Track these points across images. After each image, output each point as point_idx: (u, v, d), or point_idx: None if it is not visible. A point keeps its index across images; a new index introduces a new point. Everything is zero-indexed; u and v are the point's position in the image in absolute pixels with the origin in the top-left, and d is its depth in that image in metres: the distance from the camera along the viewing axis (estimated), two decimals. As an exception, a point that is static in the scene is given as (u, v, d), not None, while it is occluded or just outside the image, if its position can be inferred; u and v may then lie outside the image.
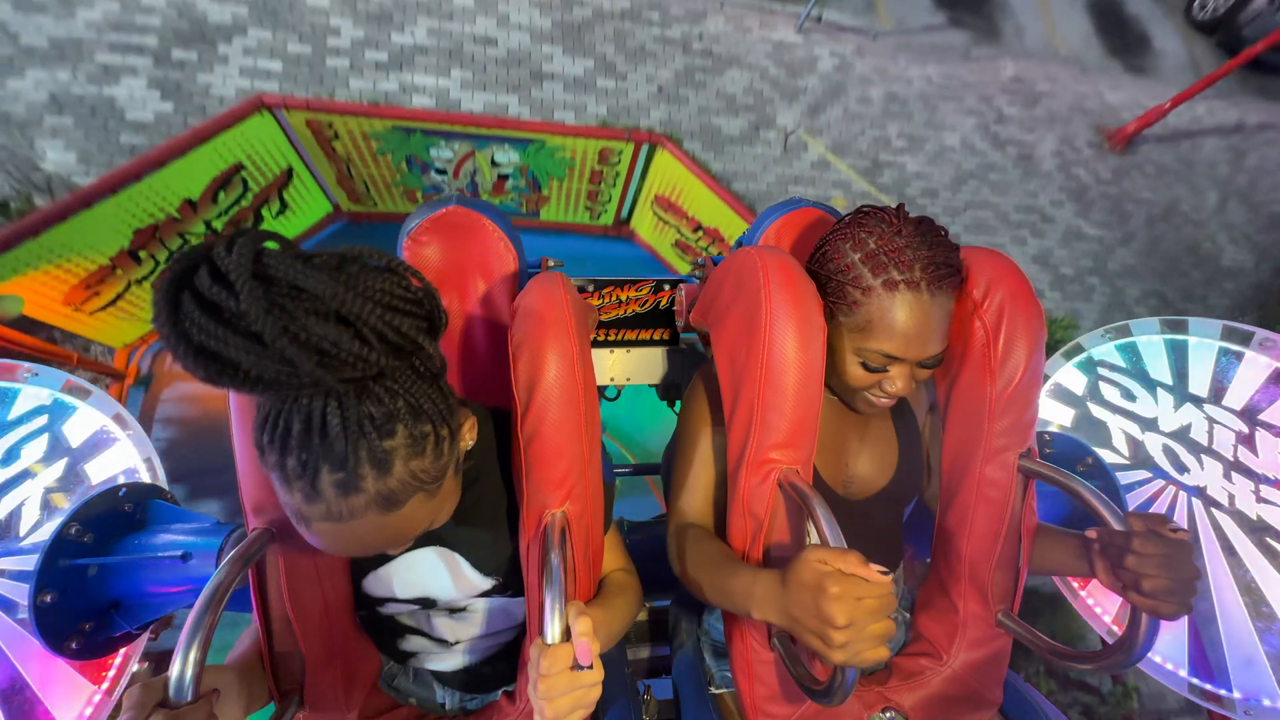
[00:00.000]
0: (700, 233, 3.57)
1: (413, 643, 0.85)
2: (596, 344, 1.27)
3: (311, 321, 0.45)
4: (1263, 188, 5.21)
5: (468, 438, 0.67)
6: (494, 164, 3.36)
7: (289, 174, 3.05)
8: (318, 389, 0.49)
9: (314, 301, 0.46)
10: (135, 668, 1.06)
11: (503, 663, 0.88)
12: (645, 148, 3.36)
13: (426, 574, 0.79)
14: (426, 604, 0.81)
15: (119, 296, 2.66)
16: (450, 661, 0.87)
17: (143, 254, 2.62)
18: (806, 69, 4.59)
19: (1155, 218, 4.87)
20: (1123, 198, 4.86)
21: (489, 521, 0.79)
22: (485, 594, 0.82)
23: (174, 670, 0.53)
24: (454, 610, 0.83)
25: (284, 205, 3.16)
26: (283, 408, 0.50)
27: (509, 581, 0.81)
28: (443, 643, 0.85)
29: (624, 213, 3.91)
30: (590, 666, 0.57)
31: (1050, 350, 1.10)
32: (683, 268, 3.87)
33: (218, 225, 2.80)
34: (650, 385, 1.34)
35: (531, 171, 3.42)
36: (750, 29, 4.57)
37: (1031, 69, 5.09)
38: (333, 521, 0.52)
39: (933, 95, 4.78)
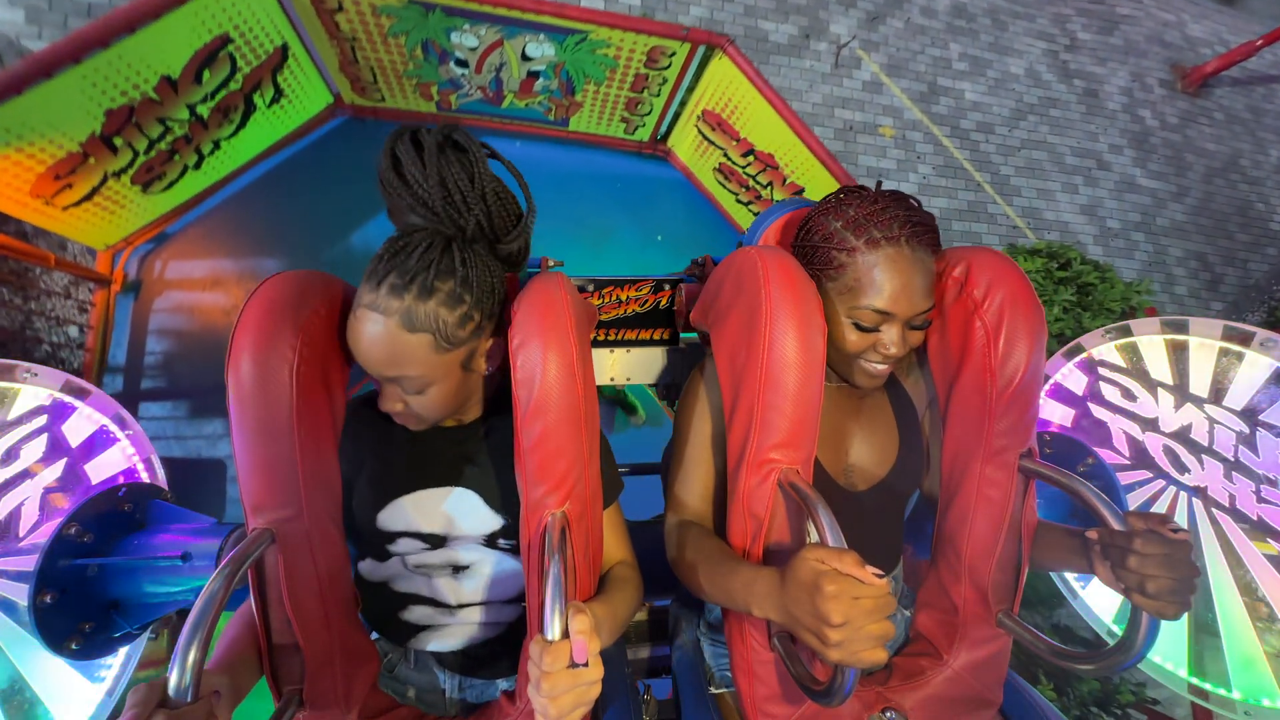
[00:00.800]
0: (751, 158, 3.04)
1: (415, 613, 0.87)
2: (596, 344, 1.27)
3: (461, 178, 0.73)
4: None
5: (483, 352, 0.78)
6: (525, 58, 2.77)
7: (284, 53, 2.56)
8: (431, 230, 0.72)
9: (466, 169, 0.75)
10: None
11: (501, 647, 0.89)
12: (701, 51, 2.77)
13: (442, 509, 0.85)
14: (437, 542, 0.85)
15: (95, 190, 2.28)
16: (450, 640, 0.87)
17: (118, 141, 2.19)
18: None
19: (1214, 172, 4.49)
20: (1185, 146, 4.46)
21: (500, 467, 0.86)
22: (491, 540, 0.85)
23: (174, 671, 0.53)
24: (458, 568, 0.86)
25: (279, 92, 2.68)
26: (409, 236, 0.71)
27: (515, 528, 0.84)
28: (445, 608, 0.86)
29: (662, 128, 3.33)
30: (586, 663, 0.57)
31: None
32: (723, 196, 3.41)
33: (203, 111, 2.37)
34: (650, 385, 1.34)
35: (567, 70, 2.85)
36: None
37: None
38: (369, 309, 0.68)
39: (1002, 11, 4.30)
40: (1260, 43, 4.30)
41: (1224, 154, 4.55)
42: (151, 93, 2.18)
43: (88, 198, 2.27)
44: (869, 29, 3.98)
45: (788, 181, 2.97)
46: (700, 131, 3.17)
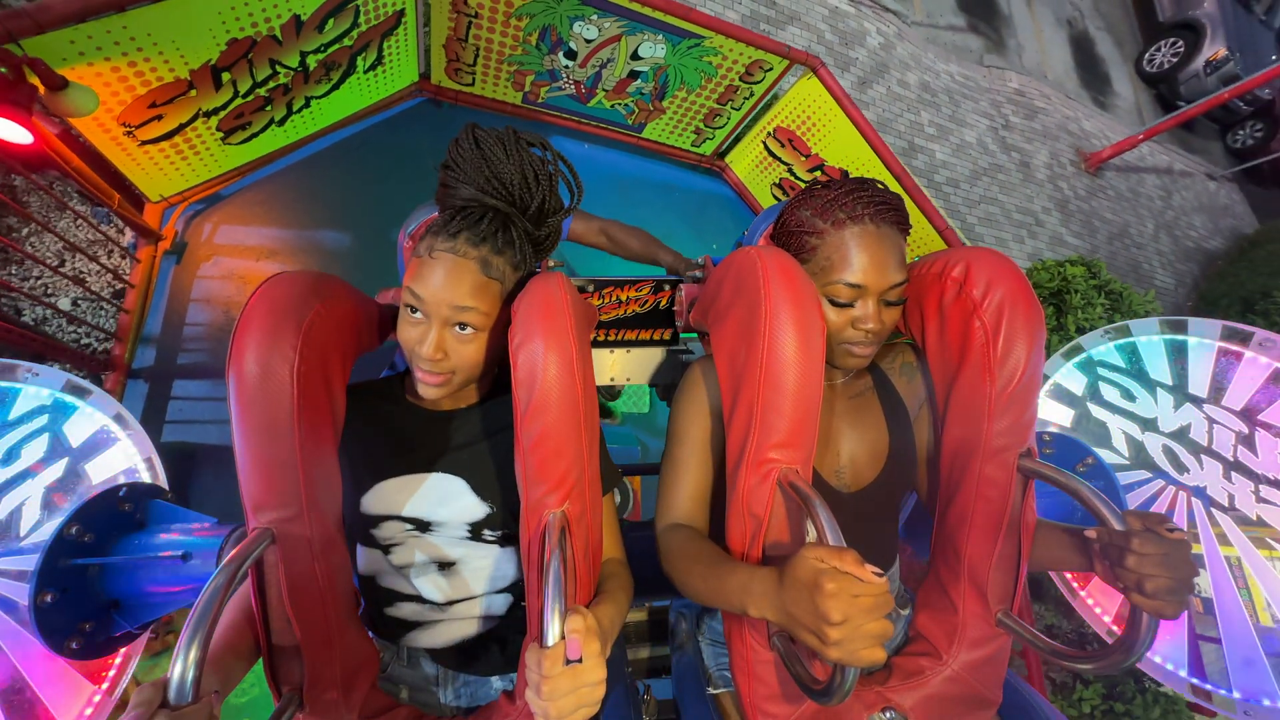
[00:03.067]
0: (818, 172, 3.18)
1: (404, 609, 0.87)
2: (596, 344, 1.27)
3: (535, 163, 0.83)
4: (1182, 225, 6.23)
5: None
6: (634, 57, 2.81)
7: (399, 18, 2.50)
8: (498, 208, 0.81)
9: (538, 158, 0.84)
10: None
11: (494, 641, 0.90)
12: (791, 70, 2.90)
13: (428, 493, 0.86)
14: (422, 526, 0.85)
15: (182, 128, 2.14)
16: (441, 637, 0.88)
17: (226, 76, 2.07)
18: (857, 41, 4.70)
19: (1113, 236, 5.62)
20: (1092, 214, 5.55)
21: (491, 455, 0.88)
22: (476, 530, 0.86)
23: (174, 671, 0.53)
24: (443, 565, 0.86)
25: (380, 58, 2.61)
26: (470, 207, 0.80)
27: (502, 517, 0.86)
28: (433, 605, 0.86)
29: (725, 143, 3.45)
30: (580, 660, 0.58)
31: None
32: None
33: (311, 62, 2.28)
34: (650, 385, 1.34)
35: (667, 74, 2.92)
36: (811, -11, 4.73)
37: (1029, 85, 5.72)
38: (449, 253, 0.76)
39: (956, 91, 5.17)
40: (1141, 137, 5.51)
41: (1118, 223, 5.71)
42: (277, 30, 2.07)
43: (170, 135, 2.13)
44: (860, 90, 4.60)
45: None
46: (766, 147, 3.29)
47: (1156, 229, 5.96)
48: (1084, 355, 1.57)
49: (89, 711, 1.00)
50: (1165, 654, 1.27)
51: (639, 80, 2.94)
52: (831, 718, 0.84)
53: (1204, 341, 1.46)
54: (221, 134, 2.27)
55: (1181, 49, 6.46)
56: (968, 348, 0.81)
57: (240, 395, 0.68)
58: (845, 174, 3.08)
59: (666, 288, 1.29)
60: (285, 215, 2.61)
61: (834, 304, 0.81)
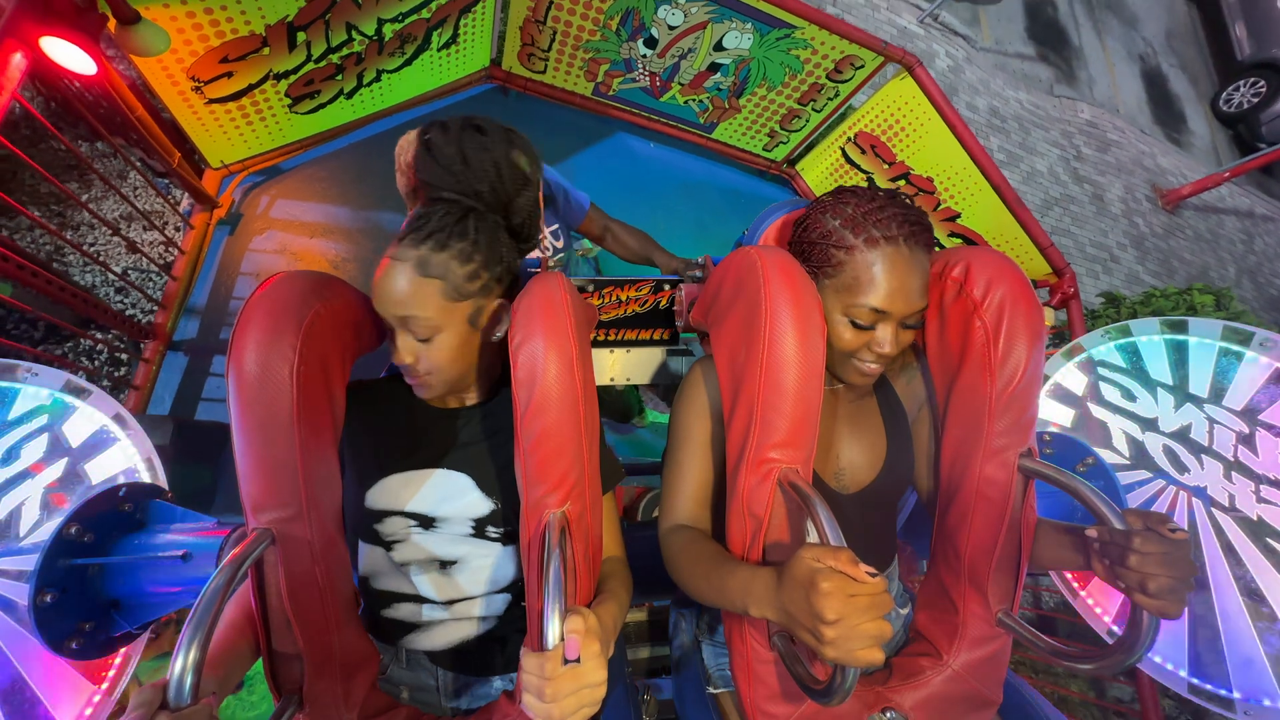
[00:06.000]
0: (902, 182, 2.92)
1: (402, 610, 0.87)
2: (596, 344, 1.27)
3: (475, 148, 0.85)
4: (1265, 271, 5.90)
5: (490, 312, 0.84)
6: (717, 48, 2.63)
7: None
8: (451, 202, 0.82)
9: (481, 142, 0.86)
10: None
11: (493, 642, 0.89)
12: (881, 72, 2.70)
13: (432, 489, 0.86)
14: (426, 522, 0.85)
15: (251, 88, 2.03)
16: (440, 638, 0.88)
17: (301, 36, 1.97)
18: (926, 62, 4.44)
19: (1192, 278, 5.20)
20: (1170, 254, 5.23)
21: (495, 452, 0.88)
22: (480, 527, 0.86)
23: (174, 672, 0.53)
24: (445, 563, 0.86)
25: (455, 36, 2.50)
26: (434, 202, 0.82)
27: (505, 514, 0.86)
28: (434, 604, 0.87)
29: (798, 149, 3.23)
30: (579, 660, 0.58)
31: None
32: None
33: (387, 31, 2.19)
34: (650, 385, 1.34)
35: (749, 69, 2.71)
36: (879, 7, 4.61)
37: (1102, 118, 5.50)
38: (391, 259, 0.77)
39: (1025, 119, 5.03)
40: (1227, 175, 5.21)
41: (1197, 264, 5.39)
42: (359, -9, 1.96)
43: (238, 96, 2.03)
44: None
45: (941, 206, 2.80)
46: (845, 154, 3.06)
47: (1239, 274, 5.63)
48: (1084, 355, 1.57)
49: (89, 711, 1.00)
50: (1165, 654, 1.27)
51: (718, 74, 2.76)
52: (832, 718, 0.83)
53: (1204, 341, 1.46)
54: (290, 100, 2.18)
55: (1263, 89, 6.13)
56: (968, 347, 0.81)
57: (240, 395, 0.68)
58: (898, 184, 2.92)
59: (666, 288, 1.29)
60: (343, 194, 2.53)
61: (853, 324, 0.80)
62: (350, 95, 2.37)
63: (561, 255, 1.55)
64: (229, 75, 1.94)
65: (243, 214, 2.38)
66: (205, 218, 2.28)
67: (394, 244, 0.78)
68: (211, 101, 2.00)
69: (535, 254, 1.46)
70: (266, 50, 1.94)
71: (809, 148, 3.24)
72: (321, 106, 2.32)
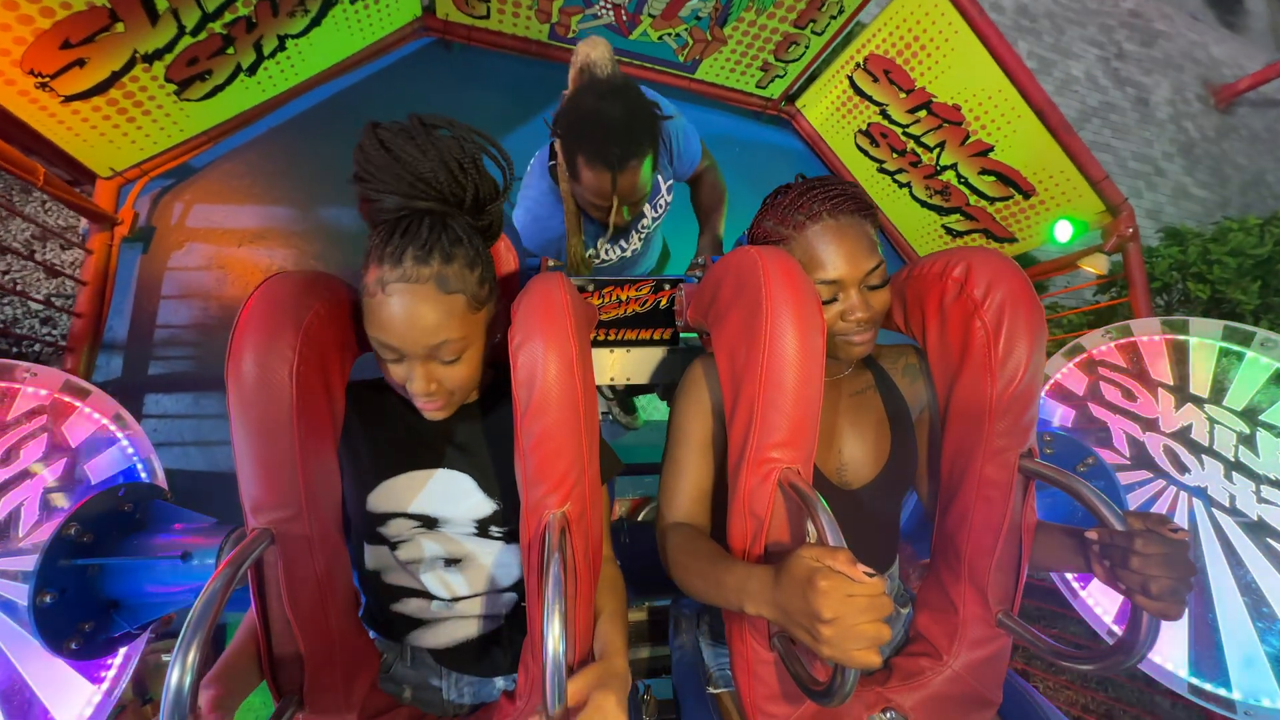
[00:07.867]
0: (923, 113, 2.40)
1: (409, 605, 0.87)
2: (596, 344, 1.27)
3: (455, 150, 0.74)
4: None
5: (491, 302, 0.80)
6: None
7: None
8: (423, 208, 0.73)
9: (456, 142, 0.75)
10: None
11: (496, 641, 0.90)
12: None
13: (435, 490, 0.86)
14: (429, 523, 0.85)
15: (116, 77, 1.59)
16: (445, 636, 0.88)
17: (162, 4, 1.54)
18: None
19: (1247, 185, 4.59)
20: (1222, 160, 4.57)
21: (495, 452, 0.88)
22: (483, 526, 0.86)
23: (172, 676, 0.53)
24: (449, 561, 0.86)
25: None
26: (404, 217, 0.72)
27: (507, 514, 0.86)
28: (439, 601, 0.87)
29: (797, 83, 2.79)
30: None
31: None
32: (859, 165, 2.84)
33: None
34: (650, 385, 1.34)
35: None
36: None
37: (1146, 5, 4.81)
38: (400, 283, 0.69)
39: (1058, 15, 4.47)
40: None
41: (1252, 170, 4.68)
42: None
43: (103, 88, 1.60)
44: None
45: (970, 139, 2.38)
46: (853, 83, 2.56)
47: (1301, 175, 4.84)
48: (1084, 355, 1.57)
49: (88, 712, 1.00)
50: (1165, 654, 1.27)
51: (695, 0, 2.32)
52: (832, 718, 0.83)
53: (1205, 341, 1.46)
54: (174, 87, 1.77)
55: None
56: (969, 348, 0.81)
57: (239, 396, 0.67)
58: (918, 115, 2.48)
59: (666, 287, 1.29)
60: (271, 190, 2.17)
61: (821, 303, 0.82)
62: (252, 71, 1.94)
63: (659, 218, 1.50)
64: (80, 63, 1.52)
65: (154, 227, 2.02)
66: (106, 238, 1.85)
67: (385, 267, 0.69)
68: (70, 99, 1.59)
69: (650, 212, 1.45)
70: (120, 26, 1.52)
71: (810, 80, 2.77)
72: (218, 89, 1.90)
